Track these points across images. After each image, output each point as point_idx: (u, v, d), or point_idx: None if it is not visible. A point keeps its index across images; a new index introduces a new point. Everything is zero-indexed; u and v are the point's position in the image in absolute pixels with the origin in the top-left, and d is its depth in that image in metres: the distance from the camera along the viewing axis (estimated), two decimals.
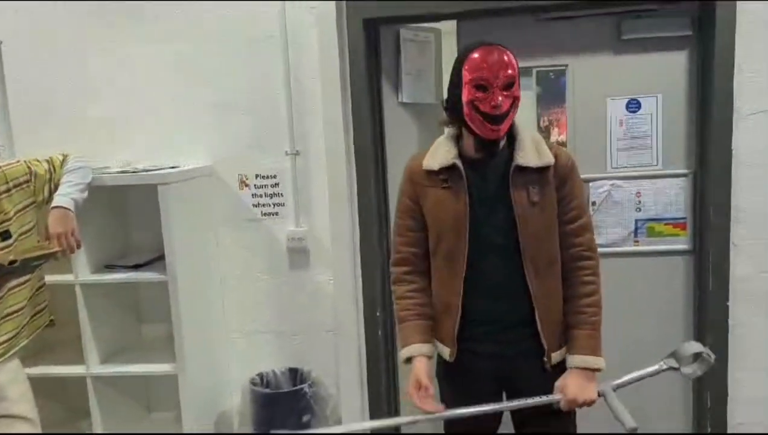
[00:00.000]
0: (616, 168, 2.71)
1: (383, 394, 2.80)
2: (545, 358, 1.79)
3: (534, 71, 2.78)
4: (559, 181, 1.77)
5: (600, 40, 2.65)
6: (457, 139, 1.81)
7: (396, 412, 2.92)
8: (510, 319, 1.79)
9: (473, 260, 1.75)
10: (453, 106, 1.74)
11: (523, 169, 1.73)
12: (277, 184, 2.74)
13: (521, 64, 2.68)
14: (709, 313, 2.58)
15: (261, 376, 2.75)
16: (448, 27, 2.82)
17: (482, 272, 1.76)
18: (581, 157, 2.69)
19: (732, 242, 2.52)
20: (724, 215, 2.52)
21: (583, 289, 1.79)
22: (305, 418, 2.56)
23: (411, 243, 1.86)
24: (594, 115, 2.70)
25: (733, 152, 2.48)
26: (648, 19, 2.58)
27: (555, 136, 5.43)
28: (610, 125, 2.69)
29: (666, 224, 2.70)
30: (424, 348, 1.81)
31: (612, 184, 2.71)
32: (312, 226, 2.73)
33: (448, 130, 1.85)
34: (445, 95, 1.81)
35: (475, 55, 1.68)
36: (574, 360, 1.77)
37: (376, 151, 2.74)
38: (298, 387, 2.63)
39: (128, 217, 2.83)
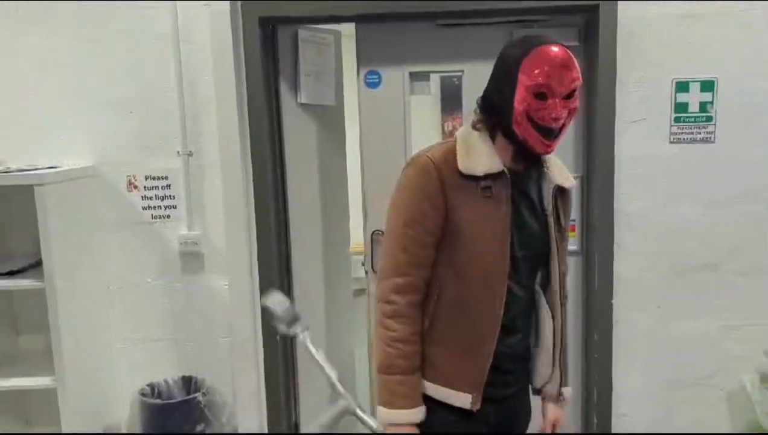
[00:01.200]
0: None
1: (282, 400, 2.75)
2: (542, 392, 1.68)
3: (438, 77, 2.82)
4: (568, 205, 1.67)
5: (494, 47, 2.71)
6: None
7: (296, 420, 2.88)
8: (525, 355, 1.63)
9: (510, 286, 1.50)
10: (497, 110, 1.47)
11: (557, 190, 1.57)
12: (168, 186, 2.63)
13: (419, 69, 2.80)
14: (595, 310, 2.70)
15: (152, 386, 2.63)
16: (349, 29, 2.82)
17: (516, 300, 1.52)
18: None
19: (616, 244, 2.66)
20: (608, 218, 2.65)
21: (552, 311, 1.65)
22: (199, 428, 2.47)
23: (423, 264, 1.48)
24: None
25: (616, 158, 2.62)
26: (537, 28, 2.67)
27: None
28: None
29: None
30: (419, 415, 1.48)
31: None
32: (206, 230, 2.64)
33: (469, 130, 1.54)
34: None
35: (537, 55, 1.40)
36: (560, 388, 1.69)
37: (274, 153, 2.69)
38: (192, 396, 2.53)
39: (2, 221, 2.64)
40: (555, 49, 1.40)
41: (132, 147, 2.61)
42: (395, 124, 2.76)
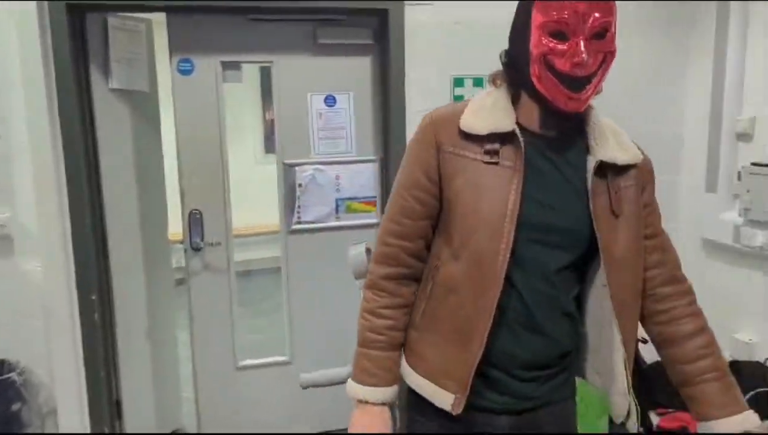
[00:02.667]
0: (318, 154, 3.09)
1: (102, 379, 2.82)
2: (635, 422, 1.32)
3: (258, 67, 3.03)
4: (643, 186, 1.33)
5: (300, 42, 3.01)
6: (512, 103, 1.28)
7: (117, 399, 2.95)
8: (559, 363, 1.33)
9: (515, 275, 1.24)
10: (514, 59, 1.25)
11: (604, 167, 1.26)
12: None
13: (231, 59, 3.00)
14: None
15: None
16: (161, 17, 2.92)
17: (532, 293, 1.25)
18: (288, 146, 3.05)
19: None
20: None
21: (692, 324, 1.32)
22: (15, 407, 2.48)
23: (406, 235, 1.31)
24: (297, 108, 3.05)
25: (407, 143, 3.03)
26: (338, 27, 3.00)
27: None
28: (311, 117, 3.07)
29: (360, 202, 3.18)
30: (388, 393, 1.32)
31: (315, 169, 3.09)
32: (16, 213, 2.63)
33: (493, 88, 1.31)
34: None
35: None
36: (729, 425, 1.26)
37: (85, 136, 2.73)
38: (6, 376, 2.53)
39: None
40: None
41: None
42: (209, 110, 2.93)
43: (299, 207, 3.09)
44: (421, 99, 3.01)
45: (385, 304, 1.33)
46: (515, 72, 1.26)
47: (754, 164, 2.92)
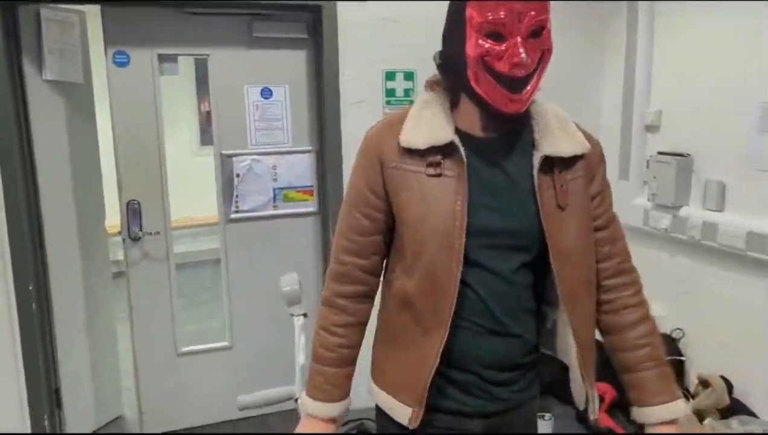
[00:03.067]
0: (255, 145, 3.18)
1: (41, 368, 2.84)
2: (588, 411, 1.36)
3: (193, 59, 3.08)
4: (592, 175, 1.31)
5: (236, 36, 3.08)
6: (451, 107, 1.27)
7: (57, 387, 2.97)
8: (523, 363, 1.34)
9: (472, 280, 1.24)
10: (450, 61, 1.23)
11: (550, 161, 1.24)
12: None
13: (167, 51, 3.04)
14: (330, 260, 3.23)
15: None
16: (95, 9, 2.93)
17: (482, 303, 1.26)
18: (226, 137, 3.13)
19: None
20: (338, 184, 3.19)
21: (635, 314, 1.34)
22: None
23: (359, 252, 1.30)
24: (234, 100, 3.12)
25: (343, 134, 3.16)
26: (273, 21, 3.08)
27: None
28: (248, 109, 3.15)
29: (297, 192, 3.29)
30: (336, 409, 1.34)
31: (252, 159, 3.18)
32: None
33: (431, 94, 1.30)
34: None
35: None
36: (659, 413, 1.31)
37: (19, 127, 2.74)
38: None
39: None
40: None
41: None
42: (146, 102, 2.98)
43: (237, 196, 3.17)
44: (355, 92, 3.14)
45: (338, 322, 1.32)
46: (452, 74, 1.24)
47: (660, 153, 3.19)
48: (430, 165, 1.22)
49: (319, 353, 1.34)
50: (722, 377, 2.83)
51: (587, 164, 1.29)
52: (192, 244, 5.03)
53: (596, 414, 1.36)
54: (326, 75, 3.08)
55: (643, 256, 3.41)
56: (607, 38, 3.52)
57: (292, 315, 1.63)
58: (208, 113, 5.87)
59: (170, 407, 3.19)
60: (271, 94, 3.17)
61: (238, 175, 3.15)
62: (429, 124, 1.24)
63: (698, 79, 3.01)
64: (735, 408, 2.75)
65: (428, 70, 3.17)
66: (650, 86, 3.30)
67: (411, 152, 1.23)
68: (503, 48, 1.12)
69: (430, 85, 1.31)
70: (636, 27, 3.28)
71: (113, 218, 3.18)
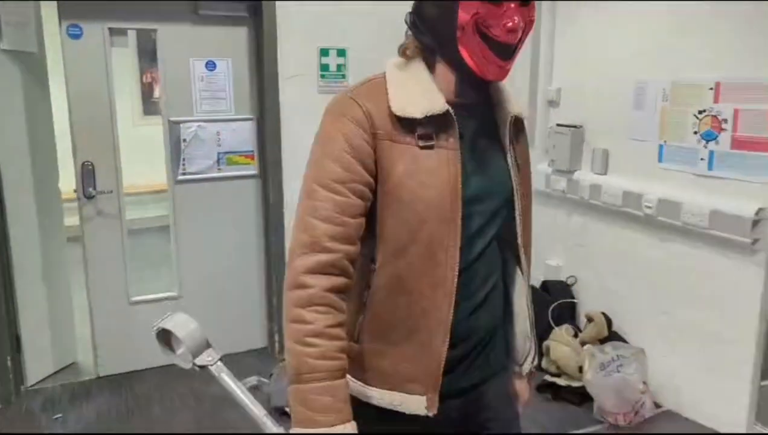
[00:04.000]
0: (201, 113, 3.49)
1: (3, 315, 3.10)
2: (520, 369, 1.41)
3: (135, 32, 3.35)
4: (525, 137, 1.38)
5: (182, 12, 3.37)
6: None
7: (17, 333, 3.24)
8: (496, 331, 1.33)
9: (465, 255, 1.20)
10: (434, 28, 1.16)
11: (514, 122, 1.28)
12: None
13: (118, 25, 3.30)
14: (270, 218, 3.61)
15: None
16: None
17: (475, 271, 1.23)
18: (173, 105, 3.42)
19: (283, 167, 3.57)
20: (276, 149, 3.54)
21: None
22: None
23: (349, 237, 1.14)
24: (181, 71, 3.42)
25: (281, 104, 3.50)
26: (217, 0, 3.38)
27: (158, 91, 5.99)
28: (194, 80, 3.45)
29: (240, 156, 3.62)
30: (350, 426, 1.12)
31: (198, 126, 3.49)
32: None
33: (403, 60, 1.22)
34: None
35: None
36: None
37: None
38: None
39: None
40: None
41: None
42: (98, 71, 3.24)
43: (184, 160, 3.48)
44: (292, 66, 3.48)
45: (334, 322, 1.11)
46: (430, 38, 1.17)
47: (558, 125, 3.69)
48: (421, 137, 1.15)
49: (318, 367, 1.09)
50: (603, 314, 3.38)
51: (523, 127, 1.35)
52: (141, 211, 5.24)
53: (532, 367, 1.39)
54: (266, 50, 3.41)
55: (545, 215, 3.95)
56: None
57: (204, 367, 1.24)
58: (150, 84, 6.08)
59: (123, 352, 3.50)
60: (215, 67, 3.48)
61: (184, 140, 3.46)
62: (419, 91, 1.16)
63: (590, 62, 3.51)
64: (613, 338, 3.30)
65: (359, 47, 3.54)
66: (552, 68, 3.79)
67: (402, 121, 1.15)
68: (500, 11, 1.09)
69: (403, 51, 1.23)
70: (540, 17, 3.75)
71: (68, 182, 3.43)
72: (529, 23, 1.14)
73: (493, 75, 1.15)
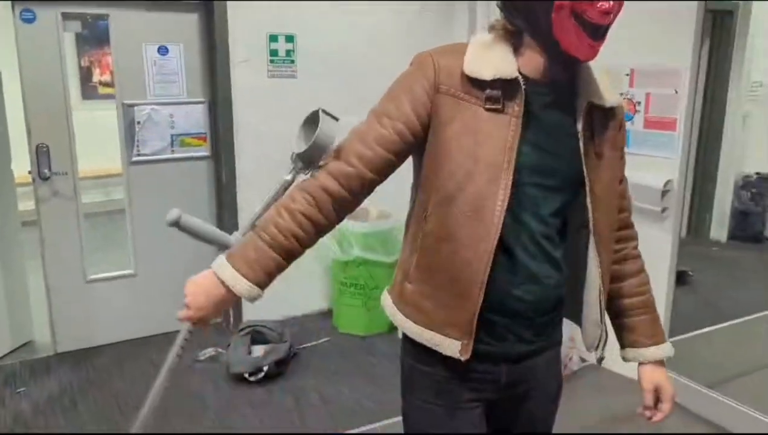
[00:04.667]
0: (154, 96, 3.61)
1: None
2: (599, 352, 1.42)
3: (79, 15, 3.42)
4: (620, 131, 1.36)
5: None
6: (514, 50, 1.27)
7: None
8: (555, 307, 1.36)
9: (511, 220, 1.24)
10: (527, 9, 1.21)
11: (593, 109, 1.29)
12: None
13: (71, 10, 3.36)
14: (223, 198, 3.76)
15: None
16: None
17: (528, 237, 1.27)
18: (126, 89, 3.52)
19: (236, 148, 3.72)
20: (229, 130, 3.69)
21: (635, 264, 1.47)
22: None
23: (371, 162, 1.26)
24: (134, 55, 3.52)
25: (233, 87, 3.65)
26: None
27: (97, 76, 6.01)
28: (147, 64, 3.56)
29: (192, 138, 3.75)
30: (249, 292, 1.25)
31: (151, 109, 3.61)
32: None
33: (491, 36, 1.27)
34: None
35: None
36: (652, 352, 1.45)
37: None
38: None
39: None
40: None
41: None
42: (51, 55, 3.32)
43: (138, 141, 3.59)
44: (242, 51, 3.64)
45: (306, 212, 1.25)
46: (521, 19, 1.23)
47: None
48: (488, 99, 1.21)
49: (268, 230, 1.25)
50: None
51: (617, 119, 1.34)
52: (96, 195, 5.26)
53: (603, 353, 1.41)
54: (217, 36, 3.55)
55: None
56: (455, 31, 4.18)
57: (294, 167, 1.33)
58: (89, 68, 6.04)
59: (80, 329, 3.60)
60: (167, 52, 3.60)
61: (138, 123, 3.57)
62: (494, 58, 1.23)
63: None
64: None
65: (308, 34, 3.69)
66: None
67: (471, 82, 1.22)
68: None
69: (492, 27, 1.29)
70: (476, 23, 3.99)
71: (21, 166, 3.48)
72: (619, 5, 1.18)
73: (584, 55, 1.19)
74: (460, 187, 1.22)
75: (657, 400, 1.46)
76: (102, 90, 6.11)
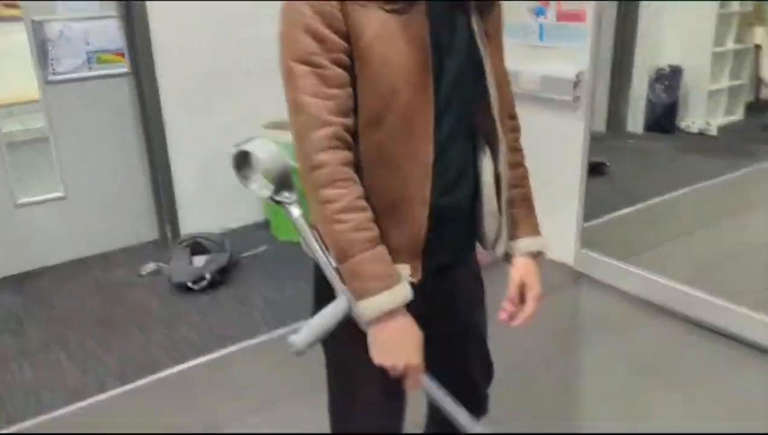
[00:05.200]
0: (63, 11, 3.45)
1: None
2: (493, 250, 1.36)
3: None
4: (498, 17, 1.33)
5: None
6: None
7: None
8: (466, 210, 1.31)
9: (440, 123, 1.19)
10: None
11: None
12: None
13: None
14: (148, 113, 3.72)
15: None
16: None
17: (452, 140, 1.23)
18: (33, 6, 3.36)
19: (156, 63, 3.65)
20: (147, 46, 3.61)
21: (518, 157, 1.41)
22: None
23: (342, 108, 1.13)
24: None
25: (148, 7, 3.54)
26: None
27: None
28: None
29: (110, 54, 3.65)
30: (406, 292, 1.17)
31: (63, 25, 3.47)
32: None
33: None
34: None
35: None
36: (524, 244, 1.39)
37: None
38: None
39: None
40: None
41: None
42: None
43: (52, 60, 3.48)
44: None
45: (358, 194, 1.14)
46: None
47: None
48: (388, 1, 1.12)
49: (356, 239, 1.12)
50: None
51: (495, 6, 1.30)
52: (15, 124, 5.04)
53: (503, 247, 1.35)
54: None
55: None
56: None
57: (280, 203, 1.25)
58: None
59: (14, 253, 3.59)
60: None
61: (51, 41, 3.44)
62: None
63: None
64: None
65: None
66: None
67: None
68: None
69: None
70: None
71: None
72: None
73: None
74: (386, 103, 1.14)
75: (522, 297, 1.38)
76: (4, 12, 5.76)
